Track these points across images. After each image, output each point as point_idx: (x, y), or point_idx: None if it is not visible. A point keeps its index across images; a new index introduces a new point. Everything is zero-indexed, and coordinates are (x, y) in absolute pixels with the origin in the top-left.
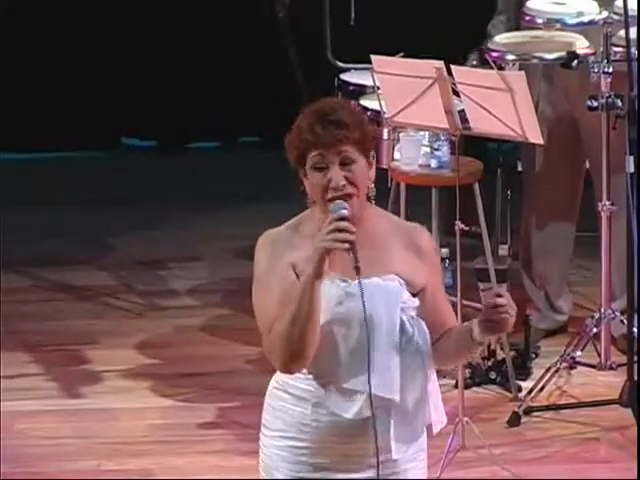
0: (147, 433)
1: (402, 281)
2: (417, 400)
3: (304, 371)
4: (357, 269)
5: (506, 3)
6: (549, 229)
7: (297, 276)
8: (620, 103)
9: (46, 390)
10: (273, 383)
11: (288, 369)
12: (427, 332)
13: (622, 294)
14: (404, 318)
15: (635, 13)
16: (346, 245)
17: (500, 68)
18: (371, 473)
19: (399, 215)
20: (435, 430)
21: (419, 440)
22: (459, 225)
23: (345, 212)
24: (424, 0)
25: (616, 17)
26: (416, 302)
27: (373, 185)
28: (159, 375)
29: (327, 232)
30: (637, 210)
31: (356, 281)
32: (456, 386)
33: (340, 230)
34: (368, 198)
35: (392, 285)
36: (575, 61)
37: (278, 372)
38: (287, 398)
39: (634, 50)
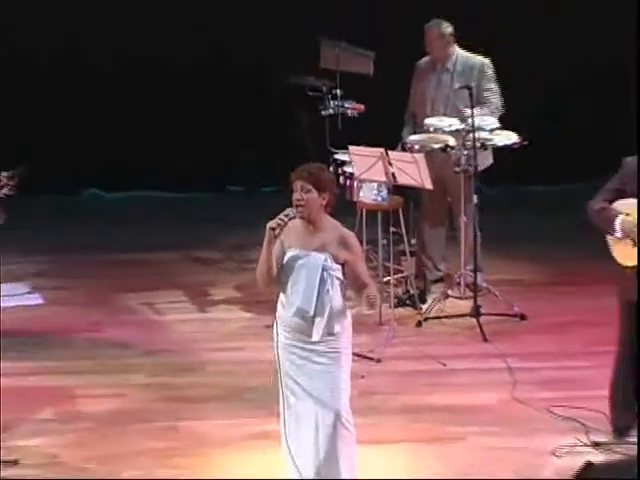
0: (240, 330)
1: (329, 256)
2: (325, 311)
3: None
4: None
5: (409, 120)
6: (432, 231)
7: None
8: (471, 169)
9: (187, 308)
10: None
11: (264, 285)
12: (337, 282)
13: (470, 263)
14: (324, 274)
15: (478, 124)
16: (273, 225)
17: (411, 151)
18: (312, 346)
19: (361, 228)
20: (336, 330)
21: (328, 332)
22: (391, 229)
23: (288, 211)
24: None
25: (467, 127)
26: (338, 267)
27: (324, 205)
28: (245, 301)
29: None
30: (478, 221)
31: (300, 251)
32: (390, 307)
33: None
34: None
35: (317, 256)
36: (448, 149)
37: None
38: (279, 307)
39: (478, 144)
